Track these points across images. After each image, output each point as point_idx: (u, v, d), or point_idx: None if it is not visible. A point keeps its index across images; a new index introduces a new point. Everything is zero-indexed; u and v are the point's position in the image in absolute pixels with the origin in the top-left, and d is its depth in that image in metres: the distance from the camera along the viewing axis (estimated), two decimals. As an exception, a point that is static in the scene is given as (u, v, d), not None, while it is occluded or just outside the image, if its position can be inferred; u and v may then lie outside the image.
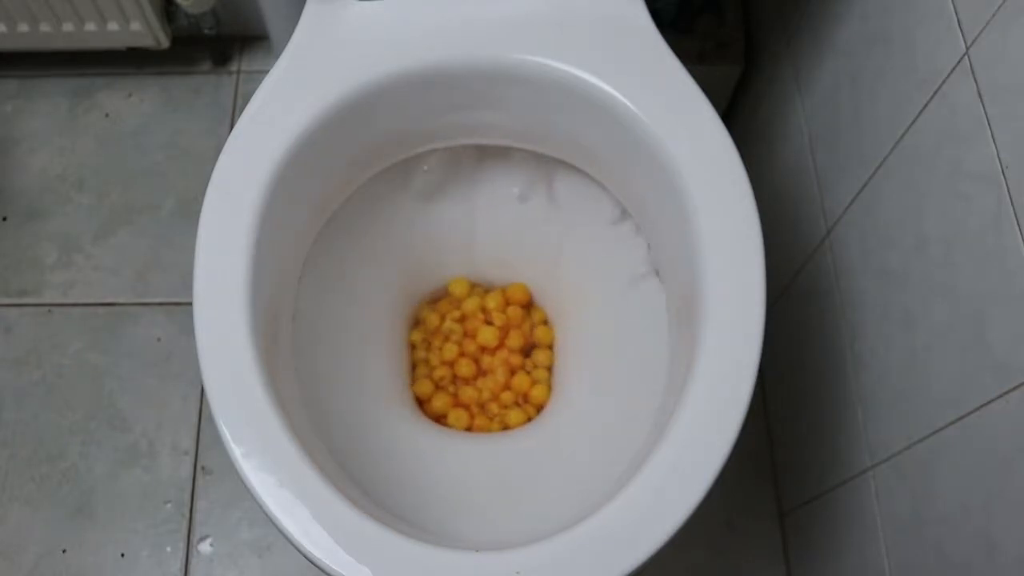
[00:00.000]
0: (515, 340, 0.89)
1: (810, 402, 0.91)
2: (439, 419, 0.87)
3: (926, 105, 0.64)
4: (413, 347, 0.90)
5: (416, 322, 0.92)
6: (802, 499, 0.95)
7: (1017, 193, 0.54)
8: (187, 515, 1.04)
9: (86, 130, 1.24)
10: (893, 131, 0.69)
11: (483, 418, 0.87)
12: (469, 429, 0.86)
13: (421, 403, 0.88)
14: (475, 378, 0.89)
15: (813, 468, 0.91)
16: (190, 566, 1.02)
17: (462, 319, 0.90)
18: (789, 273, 0.92)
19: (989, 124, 0.56)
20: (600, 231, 0.85)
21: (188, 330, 0.64)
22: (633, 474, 0.60)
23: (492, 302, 0.90)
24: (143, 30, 1.11)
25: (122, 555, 1.02)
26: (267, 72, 0.72)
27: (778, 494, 1.03)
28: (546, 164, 0.85)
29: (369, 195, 0.82)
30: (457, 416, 0.86)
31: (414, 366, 0.89)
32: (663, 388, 0.70)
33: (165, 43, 1.15)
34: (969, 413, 0.60)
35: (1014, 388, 0.55)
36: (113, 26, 1.11)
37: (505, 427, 0.86)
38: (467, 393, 0.87)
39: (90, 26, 1.11)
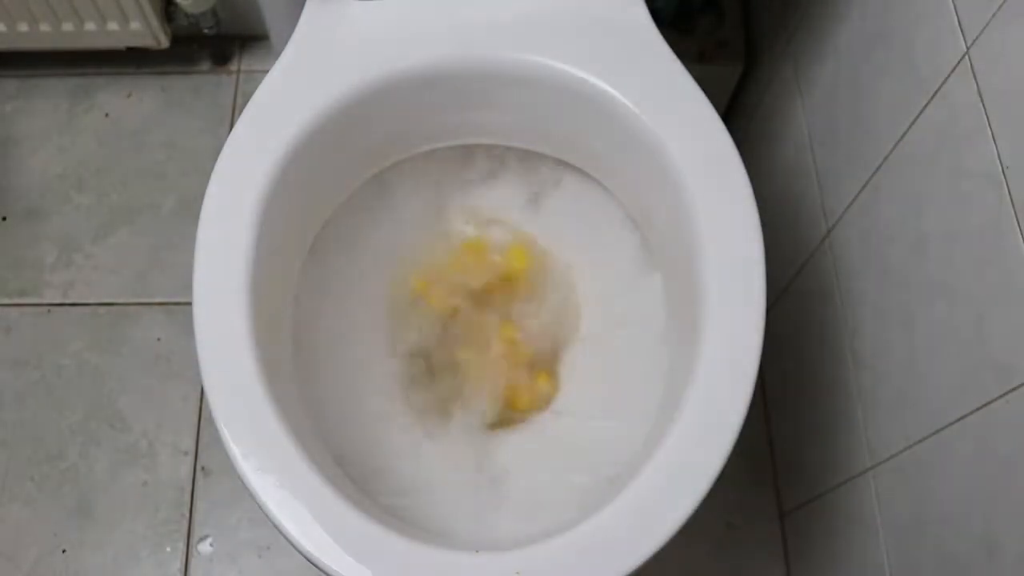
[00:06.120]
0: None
1: (810, 402, 0.91)
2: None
3: (926, 105, 0.64)
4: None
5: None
6: (802, 499, 0.94)
7: (1017, 193, 0.54)
8: (187, 515, 1.04)
9: (86, 130, 1.24)
10: (894, 131, 0.69)
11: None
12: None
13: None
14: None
15: (813, 468, 0.91)
16: (190, 566, 1.02)
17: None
18: (789, 273, 0.92)
19: (989, 124, 0.56)
20: (600, 231, 0.85)
21: (188, 330, 0.65)
22: (633, 475, 0.60)
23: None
24: (143, 29, 1.11)
25: (122, 555, 1.02)
26: (267, 72, 0.72)
27: (778, 494, 1.03)
28: (547, 164, 0.85)
29: (371, 194, 0.82)
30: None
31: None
32: (663, 388, 0.70)
33: (165, 42, 1.15)
34: (969, 413, 0.60)
35: (1014, 388, 0.55)
36: (112, 25, 1.11)
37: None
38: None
39: (89, 25, 1.11)
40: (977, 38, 0.58)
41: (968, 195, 0.59)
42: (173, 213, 1.19)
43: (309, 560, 0.57)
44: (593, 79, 0.71)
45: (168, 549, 1.02)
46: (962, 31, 0.59)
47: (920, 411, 0.67)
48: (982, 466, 0.60)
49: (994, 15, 0.56)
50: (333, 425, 0.73)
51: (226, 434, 0.60)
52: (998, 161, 0.56)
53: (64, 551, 1.02)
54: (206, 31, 1.17)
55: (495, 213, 0.89)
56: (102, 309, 1.14)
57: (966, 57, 0.59)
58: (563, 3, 0.73)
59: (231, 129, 0.72)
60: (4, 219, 1.19)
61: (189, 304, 0.65)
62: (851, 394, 0.79)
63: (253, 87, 0.74)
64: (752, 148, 0.99)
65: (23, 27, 1.11)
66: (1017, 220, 0.54)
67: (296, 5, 0.75)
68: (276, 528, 0.58)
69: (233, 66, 1.27)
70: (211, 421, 0.62)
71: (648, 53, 0.72)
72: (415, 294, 0.92)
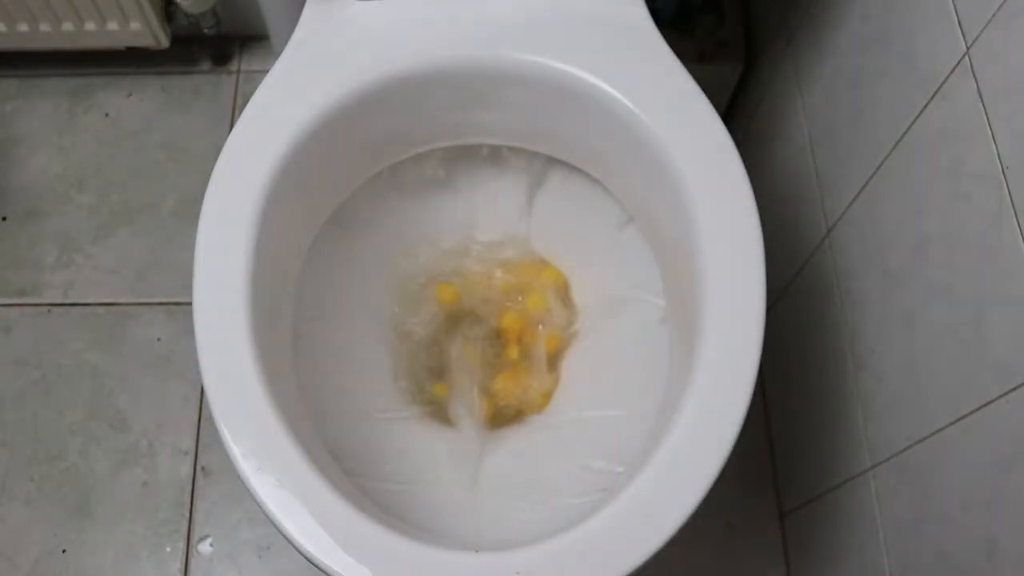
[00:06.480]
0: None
1: (810, 402, 0.91)
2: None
3: (926, 105, 0.64)
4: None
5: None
6: (802, 499, 0.94)
7: (1017, 193, 0.54)
8: (187, 515, 1.04)
9: (86, 130, 1.24)
10: (894, 131, 0.69)
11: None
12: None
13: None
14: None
15: (813, 468, 0.91)
16: (190, 566, 1.02)
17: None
18: (789, 273, 0.92)
19: (989, 124, 0.56)
20: (599, 230, 0.85)
21: (188, 330, 0.65)
22: (633, 475, 0.60)
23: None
24: (143, 29, 1.11)
25: (122, 555, 1.02)
26: (267, 72, 0.72)
27: (778, 494, 1.03)
28: (547, 164, 0.85)
29: (370, 194, 0.82)
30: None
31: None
32: (663, 388, 0.70)
33: (165, 42, 1.15)
34: (969, 413, 0.60)
35: (1014, 388, 0.55)
36: (112, 25, 1.11)
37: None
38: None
39: (89, 25, 1.11)
40: (977, 38, 0.58)
41: (968, 195, 0.59)
42: (173, 213, 1.19)
43: (309, 560, 0.57)
44: (593, 79, 0.71)
45: (168, 549, 1.02)
46: (962, 31, 0.59)
47: (920, 411, 0.67)
48: (982, 466, 0.60)
49: (994, 15, 0.56)
50: (333, 424, 0.73)
51: (226, 434, 0.60)
52: (998, 161, 0.56)
53: (64, 551, 1.02)
54: (206, 31, 1.17)
55: (492, 212, 0.89)
56: (102, 309, 1.14)
57: (966, 57, 0.59)
58: (563, 3, 0.73)
59: (231, 129, 0.72)
60: (4, 219, 1.19)
61: (189, 304, 0.65)
62: (851, 394, 0.79)
63: (253, 87, 0.74)
64: (752, 148, 0.99)
65: (23, 27, 1.11)
66: (1017, 220, 0.54)
67: (296, 5, 0.75)
68: (276, 528, 0.58)
69: (233, 66, 1.27)
70: (211, 421, 0.62)
71: (648, 53, 0.72)
72: (415, 294, 0.92)
